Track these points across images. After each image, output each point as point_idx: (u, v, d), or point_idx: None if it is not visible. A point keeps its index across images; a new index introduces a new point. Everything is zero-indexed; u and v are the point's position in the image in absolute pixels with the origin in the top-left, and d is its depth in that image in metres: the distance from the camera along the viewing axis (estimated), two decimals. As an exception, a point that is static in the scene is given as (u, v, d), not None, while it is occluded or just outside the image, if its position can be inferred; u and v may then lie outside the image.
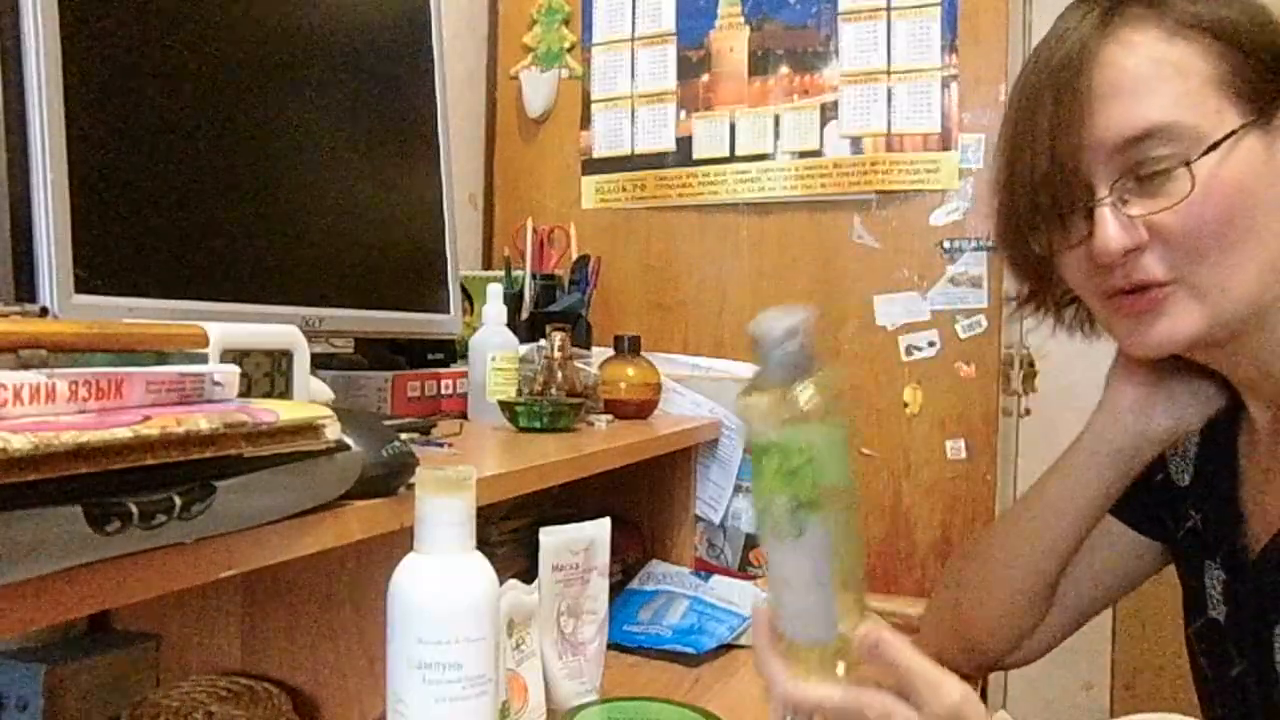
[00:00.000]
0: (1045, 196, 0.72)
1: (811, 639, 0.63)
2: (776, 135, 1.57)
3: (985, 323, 1.47)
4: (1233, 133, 0.67)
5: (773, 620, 0.65)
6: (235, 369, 0.52)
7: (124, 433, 0.41)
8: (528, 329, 1.41)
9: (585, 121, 1.72)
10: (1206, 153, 0.67)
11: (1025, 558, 0.87)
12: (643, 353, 1.32)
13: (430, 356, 1.25)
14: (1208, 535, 0.80)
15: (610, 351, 1.33)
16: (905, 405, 1.49)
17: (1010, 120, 0.75)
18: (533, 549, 0.92)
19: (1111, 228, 0.69)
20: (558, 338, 1.22)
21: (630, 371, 1.29)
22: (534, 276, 1.52)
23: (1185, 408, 0.81)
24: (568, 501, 1.28)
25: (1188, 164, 0.67)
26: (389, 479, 0.65)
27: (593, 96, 1.71)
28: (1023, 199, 0.74)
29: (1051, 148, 0.71)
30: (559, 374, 1.20)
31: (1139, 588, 0.92)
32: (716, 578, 1.26)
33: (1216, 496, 0.80)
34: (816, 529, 0.60)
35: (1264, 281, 0.69)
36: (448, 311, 1.19)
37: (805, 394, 0.59)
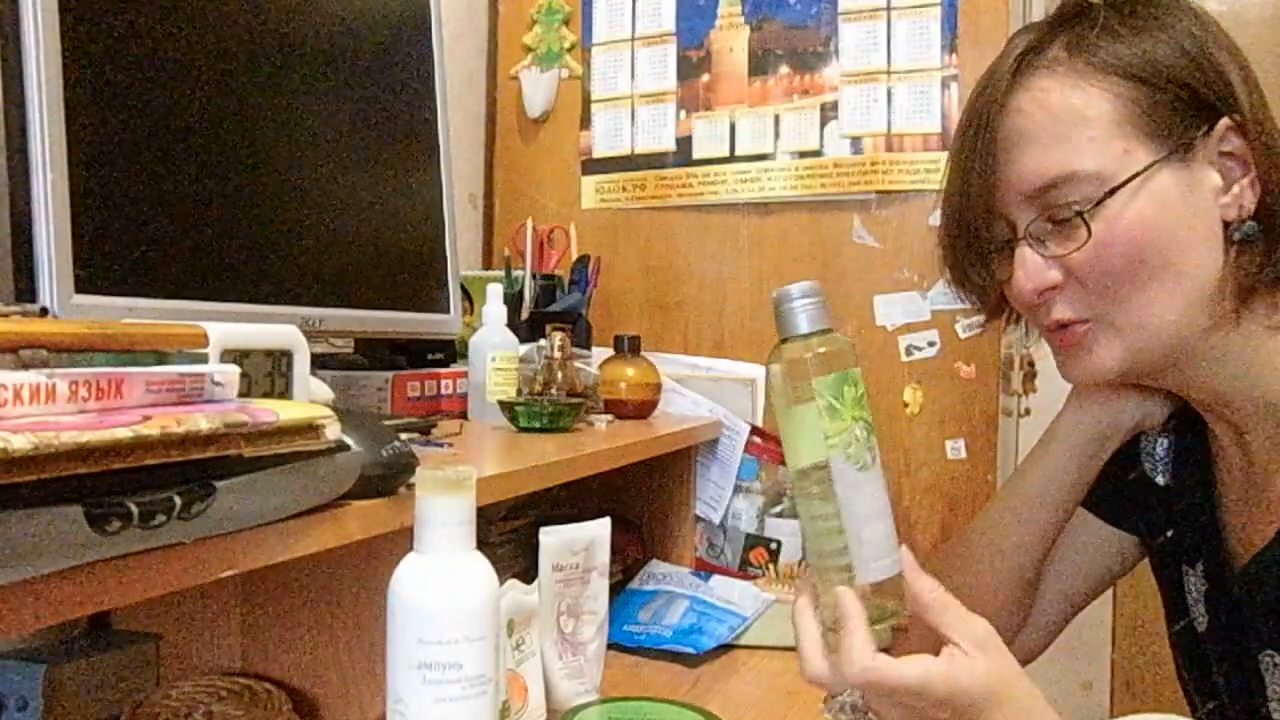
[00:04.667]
0: (971, 235, 0.75)
1: (885, 572, 0.64)
2: (776, 135, 1.57)
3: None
4: (1137, 174, 0.67)
5: (838, 582, 0.64)
6: (235, 369, 0.52)
7: (124, 433, 0.41)
8: (528, 329, 1.41)
9: (585, 121, 1.72)
10: (1105, 198, 0.67)
11: (1004, 554, 0.87)
12: (643, 353, 1.32)
13: (430, 356, 1.25)
14: (1187, 540, 0.81)
15: (610, 351, 1.33)
16: (905, 405, 1.49)
17: (948, 158, 0.77)
18: (533, 549, 0.92)
19: (1024, 270, 0.72)
20: (558, 338, 1.22)
21: (630, 371, 1.29)
22: (534, 276, 1.52)
23: (1152, 402, 0.82)
24: (568, 501, 1.28)
25: (1081, 214, 0.68)
26: (389, 479, 0.65)
27: (593, 96, 1.71)
28: (956, 235, 0.76)
29: (972, 191, 0.73)
30: (559, 374, 1.20)
31: (1138, 587, 0.92)
32: (716, 578, 1.26)
33: (1195, 502, 0.80)
34: (879, 455, 0.64)
35: (1188, 315, 0.69)
36: (448, 311, 1.19)
37: (843, 337, 0.66)
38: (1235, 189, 0.69)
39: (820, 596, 0.66)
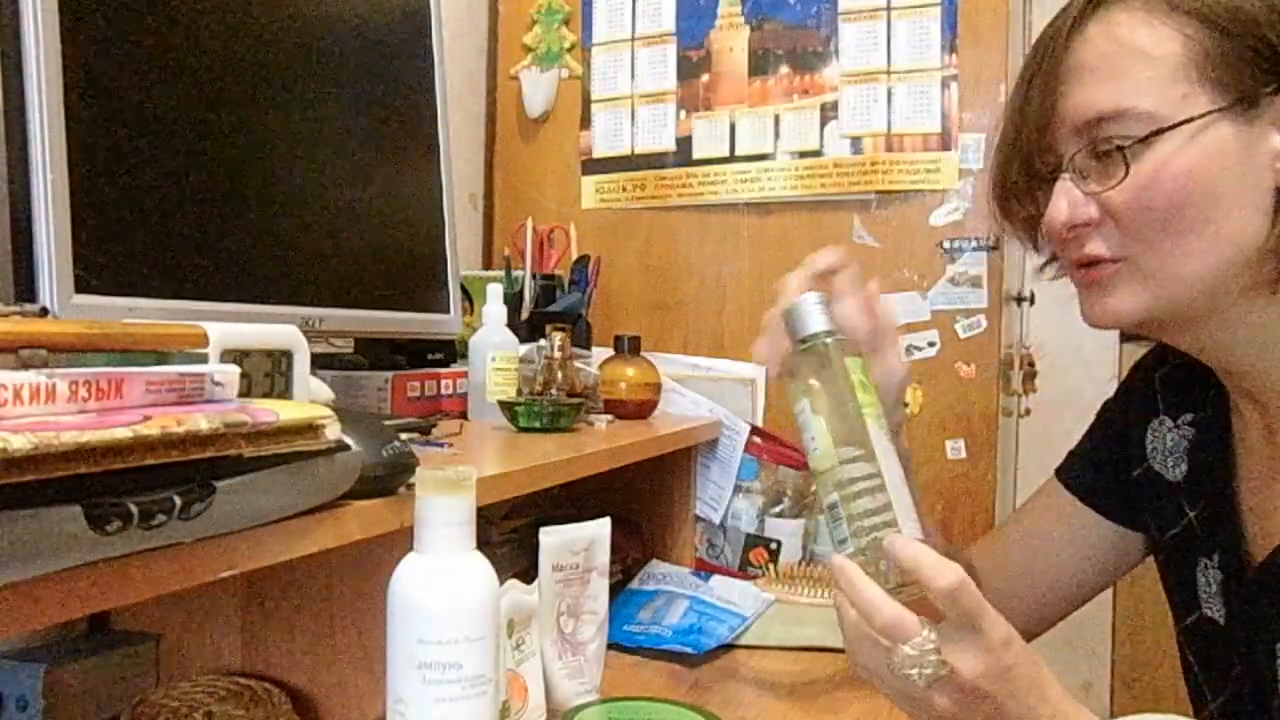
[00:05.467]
0: (1020, 163, 0.74)
1: (916, 534, 0.68)
2: (776, 135, 1.57)
3: (985, 323, 1.47)
4: (1190, 119, 0.65)
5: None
6: (235, 369, 0.52)
7: (124, 433, 0.41)
8: (528, 329, 1.41)
9: (585, 121, 1.72)
10: (1150, 137, 0.66)
11: None
12: (643, 353, 1.32)
13: (430, 356, 1.25)
14: (1203, 532, 0.80)
15: (610, 351, 1.33)
16: (905, 405, 1.49)
17: (1015, 82, 0.76)
18: (533, 549, 0.92)
19: (1059, 202, 0.70)
20: (558, 338, 1.22)
21: (630, 371, 1.29)
22: (534, 276, 1.52)
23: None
24: (568, 501, 1.28)
25: (1122, 149, 0.66)
26: (389, 479, 0.65)
27: (593, 96, 1.71)
28: (1006, 161, 0.75)
29: (1028, 117, 0.72)
30: (559, 374, 1.20)
31: (1139, 587, 0.92)
32: (716, 578, 1.26)
33: (1213, 492, 0.79)
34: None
35: (1221, 276, 0.67)
36: (448, 311, 1.19)
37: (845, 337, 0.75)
38: None
39: (868, 568, 0.67)
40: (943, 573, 0.62)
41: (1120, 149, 0.67)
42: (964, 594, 0.62)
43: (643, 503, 1.39)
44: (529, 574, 0.90)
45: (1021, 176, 0.75)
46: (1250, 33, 0.65)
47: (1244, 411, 0.77)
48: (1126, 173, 0.67)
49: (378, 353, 1.21)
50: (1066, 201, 0.70)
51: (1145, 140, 0.66)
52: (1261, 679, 0.72)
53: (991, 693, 0.62)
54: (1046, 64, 0.71)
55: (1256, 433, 0.76)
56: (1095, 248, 0.70)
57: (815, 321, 0.74)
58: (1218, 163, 0.66)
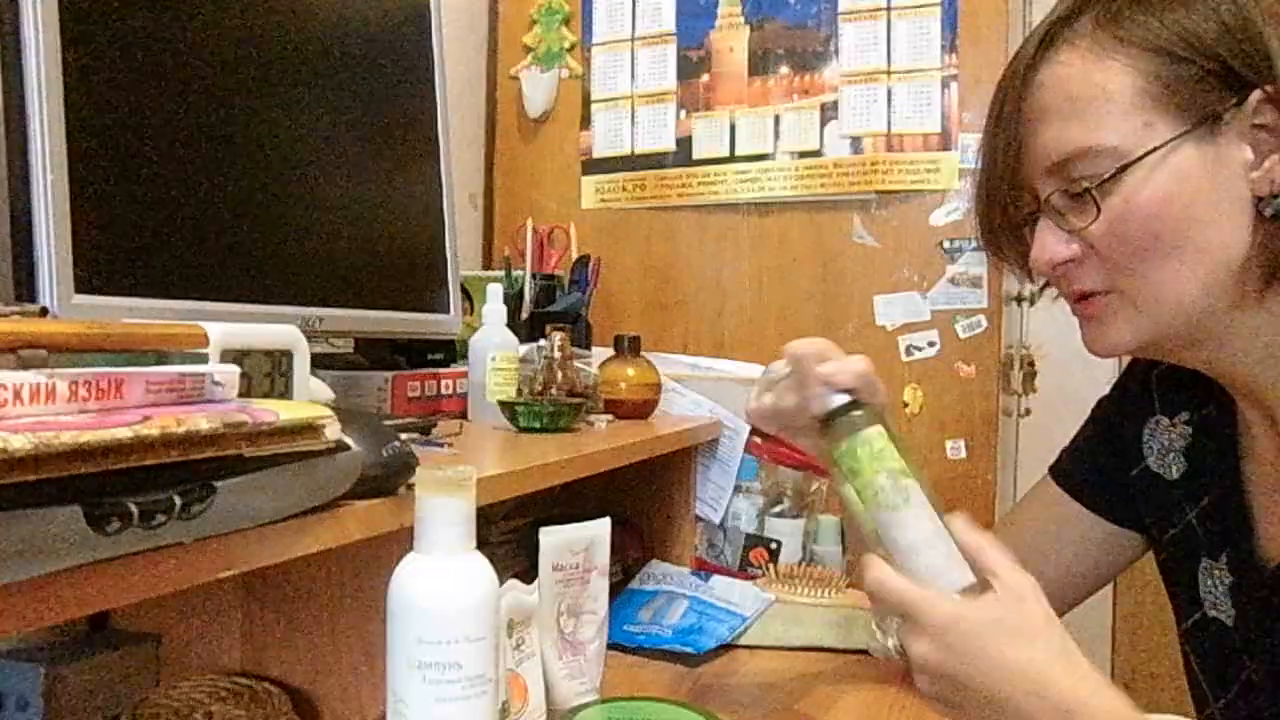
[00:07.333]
0: (999, 206, 0.75)
1: (956, 588, 0.71)
2: (776, 135, 1.58)
3: (985, 323, 1.47)
4: (1155, 149, 0.66)
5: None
6: (235, 369, 0.52)
7: (124, 433, 0.41)
8: (528, 329, 1.41)
9: (585, 121, 1.72)
10: (1118, 173, 0.67)
11: None
12: (643, 353, 1.32)
13: (430, 356, 1.25)
14: (1205, 532, 0.80)
15: (610, 351, 1.33)
16: (905, 405, 1.49)
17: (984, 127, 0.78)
18: (533, 549, 0.92)
19: (1041, 242, 0.72)
20: (558, 338, 1.22)
21: (630, 371, 1.29)
22: (534, 276, 1.52)
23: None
24: (568, 501, 1.28)
25: (1088, 190, 0.68)
26: (389, 479, 0.65)
27: (593, 96, 1.71)
28: (986, 206, 0.77)
29: (997, 163, 0.74)
30: (559, 374, 1.20)
31: (1138, 587, 0.92)
32: (716, 578, 1.26)
33: (1218, 494, 0.79)
34: (918, 490, 0.73)
35: (1209, 293, 0.68)
36: (448, 311, 1.19)
37: (861, 406, 0.78)
38: (1267, 163, 0.66)
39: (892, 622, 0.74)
40: (866, 571, 0.70)
41: (1088, 189, 0.68)
42: (882, 589, 0.69)
43: (643, 503, 1.39)
44: (529, 574, 0.90)
45: (1003, 218, 0.76)
46: (1204, 55, 0.66)
47: (1248, 415, 0.77)
48: (1099, 211, 0.68)
49: (378, 353, 1.21)
50: (1047, 242, 0.71)
51: (1113, 177, 0.67)
52: (1277, 681, 0.72)
53: (947, 670, 0.66)
54: (1007, 110, 0.72)
55: (1263, 435, 0.76)
56: (1083, 283, 0.72)
57: (829, 399, 0.79)
58: (1188, 185, 0.66)
